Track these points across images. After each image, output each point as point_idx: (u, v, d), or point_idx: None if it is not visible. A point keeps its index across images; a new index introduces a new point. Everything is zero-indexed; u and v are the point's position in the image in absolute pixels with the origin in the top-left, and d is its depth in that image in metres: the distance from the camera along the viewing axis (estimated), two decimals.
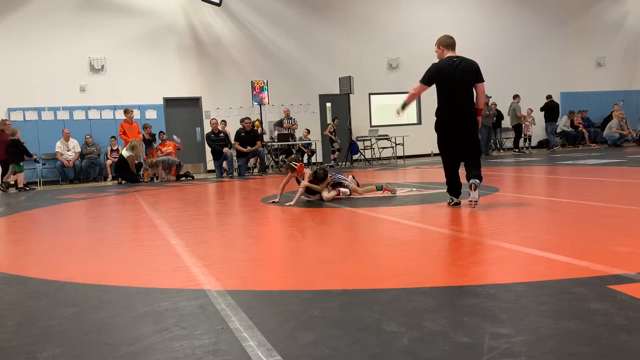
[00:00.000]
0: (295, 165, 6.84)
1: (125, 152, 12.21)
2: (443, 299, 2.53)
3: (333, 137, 15.08)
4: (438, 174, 10.13)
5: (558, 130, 17.46)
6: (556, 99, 17.45)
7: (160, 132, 13.54)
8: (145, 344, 2.13)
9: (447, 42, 5.56)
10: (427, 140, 17.12)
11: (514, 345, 1.88)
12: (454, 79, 5.39)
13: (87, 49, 13.87)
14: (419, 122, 17.35)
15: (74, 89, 13.81)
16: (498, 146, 17.40)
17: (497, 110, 17.02)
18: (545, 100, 16.61)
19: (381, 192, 6.99)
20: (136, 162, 12.33)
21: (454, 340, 1.97)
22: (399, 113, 5.84)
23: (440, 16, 17.18)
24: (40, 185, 13.06)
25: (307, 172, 6.75)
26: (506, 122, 17.61)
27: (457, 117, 5.44)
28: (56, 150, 13.25)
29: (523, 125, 16.86)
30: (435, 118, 5.58)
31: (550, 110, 16.52)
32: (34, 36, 13.42)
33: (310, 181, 6.67)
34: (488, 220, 4.80)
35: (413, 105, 17.24)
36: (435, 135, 5.71)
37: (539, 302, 2.38)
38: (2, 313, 2.67)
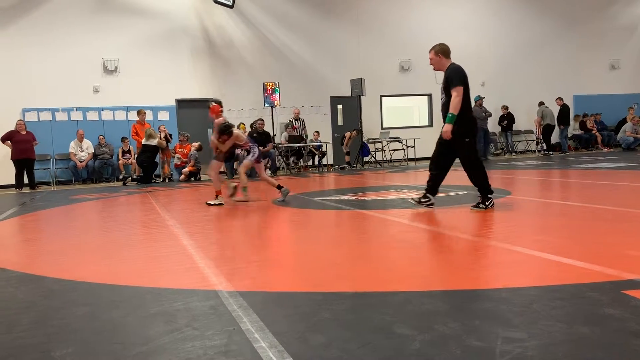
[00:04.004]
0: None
1: (152, 141, 12.33)
2: (454, 303, 2.52)
3: (346, 146, 15.05)
4: (449, 177, 10.07)
5: (569, 135, 17.32)
6: (568, 101, 17.32)
7: (181, 133, 13.58)
8: (157, 343, 2.14)
9: (447, 51, 5.48)
10: None
11: (526, 350, 1.87)
12: (468, 86, 5.39)
13: (100, 51, 13.99)
14: (430, 124, 17.28)
15: (88, 90, 13.93)
16: (510, 149, 17.29)
17: (508, 112, 16.93)
18: (558, 104, 16.51)
19: (237, 192, 6.99)
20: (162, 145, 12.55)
21: (466, 344, 1.97)
22: (448, 135, 5.27)
23: (452, 18, 17.13)
24: (53, 185, 13.19)
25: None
26: (517, 125, 17.51)
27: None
28: (69, 150, 13.37)
29: (535, 129, 16.79)
30: (466, 122, 5.30)
31: (561, 114, 16.41)
32: (49, 38, 13.55)
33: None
34: (500, 224, 4.77)
35: (424, 106, 17.35)
36: (475, 136, 5.53)
37: (551, 307, 2.36)
38: (16, 311, 2.70)
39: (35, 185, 12.42)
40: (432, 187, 5.64)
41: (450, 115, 5.21)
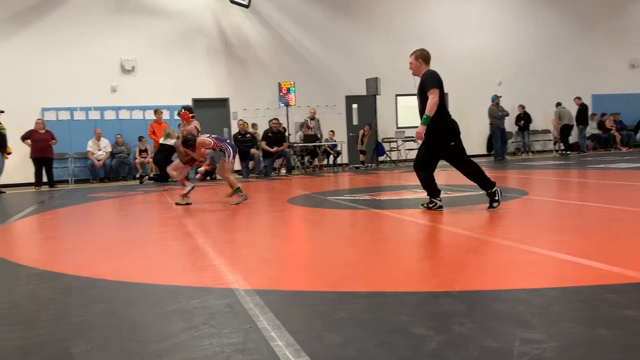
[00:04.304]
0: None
1: (170, 141, 12.43)
2: (471, 303, 2.50)
3: (361, 143, 15.05)
4: (464, 177, 10.01)
5: (588, 134, 17.11)
6: (587, 101, 17.09)
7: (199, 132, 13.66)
8: (175, 341, 2.16)
9: (427, 57, 5.60)
10: None
11: (545, 352, 1.85)
12: (443, 90, 5.42)
13: (118, 51, 14.13)
14: None
15: (106, 90, 14.09)
16: (526, 149, 17.13)
17: (525, 112, 16.78)
18: (576, 103, 16.32)
19: (234, 195, 6.94)
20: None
21: (483, 344, 1.95)
22: (420, 138, 5.38)
23: (468, 16, 17.02)
24: (71, 183, 13.36)
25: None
26: (535, 125, 17.33)
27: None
28: (87, 149, 13.53)
29: (552, 129, 16.63)
30: (445, 125, 5.34)
31: (580, 113, 16.22)
32: (68, 38, 13.73)
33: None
34: (516, 224, 4.73)
35: None
36: (459, 138, 5.51)
37: (570, 308, 2.34)
38: (37, 308, 2.75)
39: (54, 184, 12.60)
40: (432, 189, 5.54)
41: (425, 116, 5.23)
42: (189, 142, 6.91)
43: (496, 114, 15.03)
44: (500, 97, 15.25)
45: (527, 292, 2.61)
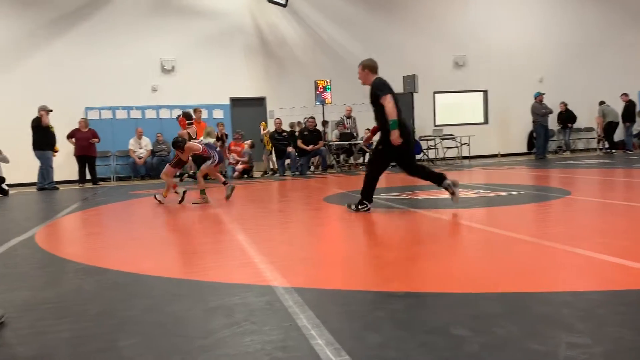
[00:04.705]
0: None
1: (209, 140, 12.66)
2: (513, 305, 2.46)
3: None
4: (505, 175, 9.86)
5: (634, 132, 16.53)
6: (634, 97, 16.52)
7: (237, 131, 13.84)
8: (217, 337, 2.20)
9: (373, 67, 5.79)
10: (494, 140, 16.70)
11: (592, 357, 1.81)
12: (394, 96, 5.57)
13: (158, 51, 14.43)
14: (486, 122, 16.89)
15: (146, 89, 14.41)
16: (568, 147, 16.68)
17: (567, 109, 16.34)
18: (623, 100, 15.79)
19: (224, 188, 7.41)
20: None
21: (527, 347, 1.92)
22: (397, 142, 5.46)
23: (508, 11, 16.66)
24: (113, 180, 13.73)
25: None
26: (579, 123, 16.86)
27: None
28: (129, 147, 13.87)
29: (596, 127, 16.15)
30: (394, 132, 5.43)
31: (626, 110, 15.68)
32: (110, 39, 14.10)
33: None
34: (559, 225, 4.62)
35: (479, 102, 16.97)
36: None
37: (617, 312, 2.28)
38: (83, 302, 2.84)
39: (97, 181, 12.97)
40: (368, 191, 5.72)
41: (391, 121, 5.40)
42: (177, 143, 7.51)
43: (539, 112, 14.69)
44: (544, 94, 14.89)
45: (571, 295, 2.55)
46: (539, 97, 14.72)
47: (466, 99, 17.19)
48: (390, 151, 5.56)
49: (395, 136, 5.38)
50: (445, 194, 5.74)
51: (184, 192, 7.44)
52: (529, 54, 16.65)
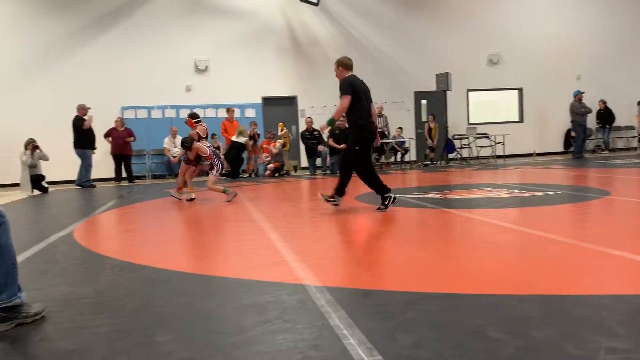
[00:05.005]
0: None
1: (241, 139, 12.86)
2: (550, 308, 2.41)
3: (429, 136, 14.83)
4: (541, 175, 9.65)
5: None
6: None
7: (269, 130, 13.95)
8: (250, 334, 2.22)
9: (346, 64, 5.99)
10: (529, 138, 16.37)
11: None
12: (365, 95, 5.86)
13: (192, 51, 14.64)
14: (521, 120, 16.56)
15: (181, 89, 14.64)
16: (606, 146, 16.21)
17: (606, 107, 15.89)
18: None
19: (225, 195, 7.44)
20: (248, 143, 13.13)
21: (565, 351, 1.88)
22: (322, 131, 6.26)
23: (544, 8, 16.29)
24: (148, 178, 13.99)
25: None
26: (619, 121, 16.37)
27: (375, 130, 5.97)
28: (164, 146, 14.11)
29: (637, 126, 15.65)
30: (359, 132, 5.79)
31: None
32: (145, 40, 14.37)
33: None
34: (597, 226, 4.51)
35: (514, 100, 16.66)
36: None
37: None
38: (121, 298, 2.90)
39: (133, 179, 13.24)
40: (341, 186, 5.94)
41: (330, 118, 5.93)
42: (184, 144, 7.78)
43: (579, 110, 14.32)
44: (584, 92, 14.50)
45: (610, 298, 2.48)
46: (578, 95, 14.35)
47: (501, 97, 16.89)
48: (360, 149, 5.79)
49: (320, 125, 5.95)
50: (480, 194, 5.66)
51: (192, 199, 7.76)
52: (567, 51, 16.25)
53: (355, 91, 5.74)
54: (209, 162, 7.79)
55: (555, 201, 6.03)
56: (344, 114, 5.96)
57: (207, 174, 7.93)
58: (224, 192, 7.51)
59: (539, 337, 2.03)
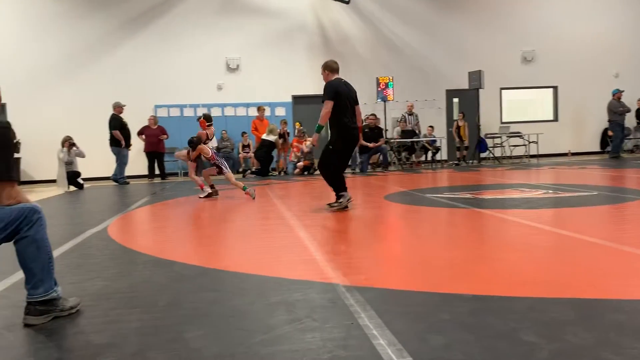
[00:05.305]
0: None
1: (271, 137, 12.98)
2: (585, 312, 2.35)
3: (458, 135, 14.64)
4: (577, 175, 9.41)
5: None
6: None
7: (300, 128, 13.99)
8: (279, 332, 2.23)
9: (332, 67, 6.15)
10: (564, 138, 16.00)
11: None
12: (348, 99, 5.95)
13: (224, 50, 14.79)
14: (556, 119, 16.21)
15: (212, 87, 14.80)
16: None
17: None
18: None
19: (245, 193, 7.60)
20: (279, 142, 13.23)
21: (602, 357, 1.83)
22: (314, 143, 6.19)
23: (579, 4, 15.88)
24: (181, 176, 14.19)
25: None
26: None
27: (356, 134, 6.07)
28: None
29: None
30: (340, 134, 5.92)
31: None
32: (178, 39, 14.58)
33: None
34: (636, 228, 4.37)
35: (549, 99, 16.31)
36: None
37: None
38: (153, 293, 2.95)
39: (165, 176, 13.46)
40: (337, 185, 6.00)
41: (317, 126, 5.96)
42: (191, 143, 8.08)
43: (617, 110, 13.93)
44: (623, 91, 14.10)
45: None
46: (617, 94, 13.95)
47: (535, 95, 16.55)
48: (339, 150, 5.92)
49: (314, 139, 6.01)
50: (513, 194, 5.56)
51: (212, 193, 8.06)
52: (604, 48, 15.81)
53: (338, 96, 5.87)
54: (212, 163, 8.04)
55: (591, 202, 5.88)
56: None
57: (219, 173, 8.18)
58: (244, 189, 7.67)
59: (574, 341, 1.97)
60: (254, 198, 7.48)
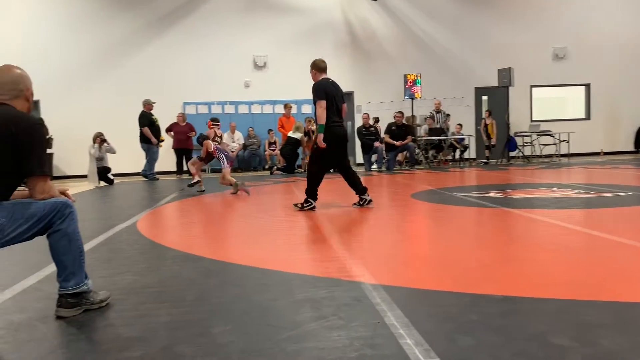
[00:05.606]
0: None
1: (297, 135, 13.04)
2: (620, 315, 2.28)
3: (486, 133, 14.44)
4: (609, 175, 9.19)
5: None
6: None
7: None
8: (305, 329, 2.23)
9: (320, 67, 6.16)
10: (597, 137, 15.64)
11: None
12: (335, 98, 6.00)
13: (251, 48, 14.88)
14: (588, 117, 15.86)
15: (240, 85, 14.92)
16: None
17: None
18: None
19: (239, 189, 7.99)
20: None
21: None
22: (319, 145, 5.98)
23: (611, 1, 15.49)
24: (208, 172, 14.33)
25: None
26: None
27: (342, 133, 6.06)
28: (223, 141, 14.40)
29: None
30: (319, 135, 5.91)
31: None
32: (206, 37, 14.72)
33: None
34: None
35: (581, 97, 15.96)
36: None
37: None
38: (182, 288, 2.98)
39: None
40: (357, 187, 6.11)
41: (319, 126, 5.92)
42: (199, 139, 8.84)
43: None
44: None
45: None
46: None
47: (566, 93, 16.23)
48: (325, 151, 5.94)
49: (319, 139, 5.89)
50: (543, 194, 5.45)
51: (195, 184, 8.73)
52: (636, 46, 15.39)
53: (326, 96, 5.92)
54: (214, 157, 8.67)
55: (625, 202, 5.73)
56: (314, 114, 6.15)
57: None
58: (235, 185, 8.09)
59: (608, 346, 1.92)
60: (248, 194, 7.83)
